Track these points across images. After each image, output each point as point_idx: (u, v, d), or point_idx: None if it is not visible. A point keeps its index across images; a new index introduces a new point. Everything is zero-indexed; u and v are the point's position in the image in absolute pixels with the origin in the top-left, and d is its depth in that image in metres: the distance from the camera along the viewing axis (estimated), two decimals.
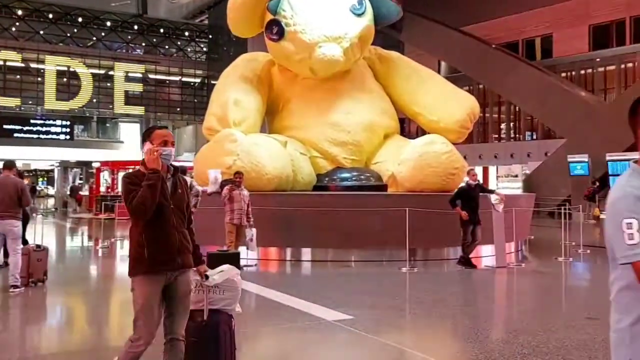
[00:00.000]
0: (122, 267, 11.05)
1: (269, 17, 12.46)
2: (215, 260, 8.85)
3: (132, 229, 3.52)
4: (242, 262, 9.79)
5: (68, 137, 42.76)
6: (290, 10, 12.32)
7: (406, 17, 32.54)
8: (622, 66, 29.32)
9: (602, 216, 22.29)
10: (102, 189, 24.78)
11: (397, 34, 32.87)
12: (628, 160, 22.20)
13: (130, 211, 3.38)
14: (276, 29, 12.36)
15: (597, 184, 23.39)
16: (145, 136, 3.59)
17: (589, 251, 12.60)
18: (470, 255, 10.12)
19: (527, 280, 9.66)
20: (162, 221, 3.43)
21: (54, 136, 42.10)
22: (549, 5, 30.88)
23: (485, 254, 10.98)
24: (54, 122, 42.61)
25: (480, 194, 10.25)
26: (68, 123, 43.47)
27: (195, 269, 3.70)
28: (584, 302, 7.75)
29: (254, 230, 9.57)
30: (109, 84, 44.70)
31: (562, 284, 9.46)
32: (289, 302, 7.03)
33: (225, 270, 3.97)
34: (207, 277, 3.75)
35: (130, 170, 3.67)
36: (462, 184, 10.21)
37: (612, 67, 29.54)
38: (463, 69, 31.17)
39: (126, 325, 6.73)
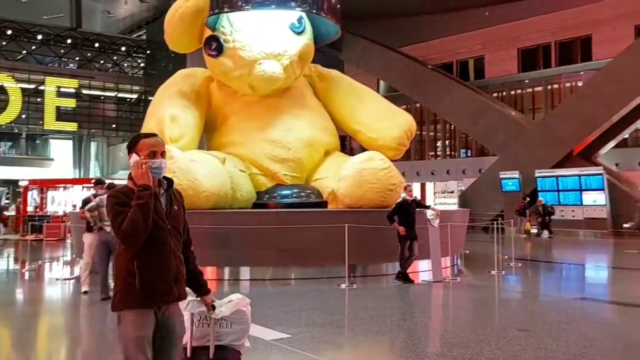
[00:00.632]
0: (50, 290, 10.59)
1: (208, 32, 12.38)
2: None
3: (120, 255, 3.04)
4: None
5: None
6: (229, 27, 12.28)
7: (346, 37, 33.18)
8: (549, 87, 30.77)
9: (532, 230, 23.12)
10: (30, 208, 23.69)
11: (337, 53, 33.37)
12: (556, 176, 23.32)
13: (121, 237, 2.90)
14: (215, 44, 12.29)
15: (528, 199, 24.30)
16: (130, 147, 3.12)
17: (520, 264, 13.02)
18: (408, 270, 10.25)
19: (462, 293, 9.85)
20: (158, 245, 2.98)
21: None
22: (481, 29, 32.12)
23: (422, 269, 11.16)
24: None
25: (417, 209, 10.44)
26: None
27: (199, 298, 3.32)
28: (515, 314, 7.96)
29: None
30: (39, 99, 43.08)
31: (495, 296, 9.70)
32: None
33: (234, 300, 3.54)
34: (214, 307, 3.34)
35: (117, 187, 3.16)
36: (399, 200, 10.35)
37: (540, 88, 30.95)
38: (401, 88, 31.93)
39: (53, 351, 6.42)
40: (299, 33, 12.64)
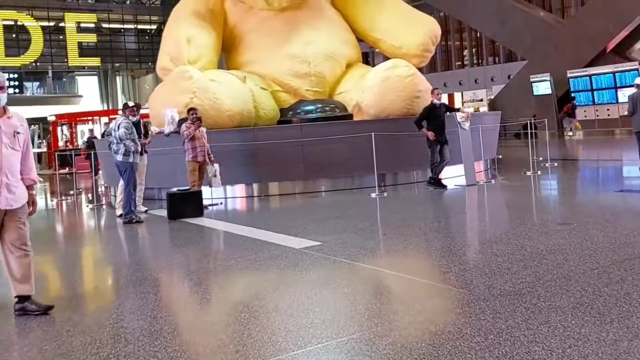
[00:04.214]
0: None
1: None
2: (177, 200, 8.64)
3: None
4: (207, 202, 9.58)
5: (17, 91, 40.83)
6: None
7: None
8: None
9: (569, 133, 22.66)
10: (61, 143, 23.90)
11: None
12: (589, 75, 22.31)
13: None
14: None
15: (574, 99, 23.54)
16: None
17: (555, 164, 12.67)
18: (440, 176, 10.03)
19: (498, 194, 9.64)
20: None
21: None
22: None
23: (455, 174, 10.92)
24: None
25: (446, 113, 10.09)
26: (16, 76, 41.36)
27: None
28: (555, 210, 7.74)
29: (216, 165, 9.29)
30: (60, 37, 42.71)
31: (533, 195, 9.46)
32: (256, 235, 6.85)
33: None
34: None
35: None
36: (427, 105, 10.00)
37: None
38: None
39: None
40: None
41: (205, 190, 9.55)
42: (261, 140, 10.33)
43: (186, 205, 8.63)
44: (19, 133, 4.20)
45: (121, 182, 8.87)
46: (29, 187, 4.34)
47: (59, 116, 24.87)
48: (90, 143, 18.48)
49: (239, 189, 10.59)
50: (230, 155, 10.04)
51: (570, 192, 9.54)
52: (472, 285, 4.23)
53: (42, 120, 32.32)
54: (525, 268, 4.59)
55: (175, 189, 9.06)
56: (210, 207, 9.52)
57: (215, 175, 9.24)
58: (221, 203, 10.07)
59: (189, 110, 9.41)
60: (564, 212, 7.42)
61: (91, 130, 21.34)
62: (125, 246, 7.48)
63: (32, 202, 4.37)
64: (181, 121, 9.66)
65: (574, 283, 4.10)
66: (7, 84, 4.40)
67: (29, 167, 4.33)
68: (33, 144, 32.06)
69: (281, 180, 10.55)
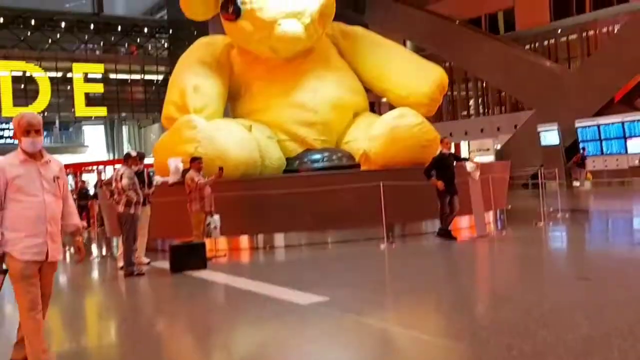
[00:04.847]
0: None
1: None
2: (180, 253, 8.38)
3: None
4: (210, 253, 9.30)
5: None
6: None
7: None
8: (584, 34, 29.37)
9: (575, 183, 22.35)
10: None
11: (359, 16, 32.41)
12: (597, 125, 22.15)
13: None
14: (232, 8, 11.79)
15: (585, 149, 23.32)
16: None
17: (567, 215, 12.38)
18: (450, 227, 9.75)
19: (510, 247, 9.33)
20: None
21: (9, 140, 40.37)
22: None
23: (465, 225, 10.64)
24: (7, 126, 40.81)
25: (455, 162, 9.90)
26: None
27: None
28: (571, 264, 7.43)
29: (217, 216, 9.06)
30: (68, 87, 43.31)
31: (546, 248, 9.15)
32: (261, 290, 6.55)
33: None
34: None
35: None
36: (436, 154, 9.82)
37: (574, 36, 29.59)
38: (428, 46, 30.90)
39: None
40: None
41: (209, 242, 9.28)
42: (266, 190, 10.12)
43: (189, 257, 8.37)
44: (58, 178, 4.00)
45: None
46: (73, 234, 4.13)
47: (65, 166, 24.88)
48: (83, 194, 18.22)
49: (244, 240, 10.31)
50: (234, 206, 9.82)
51: (585, 245, 9.23)
52: (489, 345, 3.94)
53: None
54: (544, 326, 4.29)
55: (178, 241, 8.81)
56: (213, 259, 9.24)
57: (215, 227, 8.99)
58: (225, 255, 9.79)
59: (194, 159, 9.25)
60: (581, 266, 7.11)
61: (83, 181, 21.20)
62: (123, 300, 7.18)
63: (78, 248, 4.15)
64: (185, 171, 9.48)
65: (597, 344, 3.80)
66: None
67: (70, 212, 4.11)
68: None
69: (287, 231, 10.27)
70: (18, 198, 3.78)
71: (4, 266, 3.78)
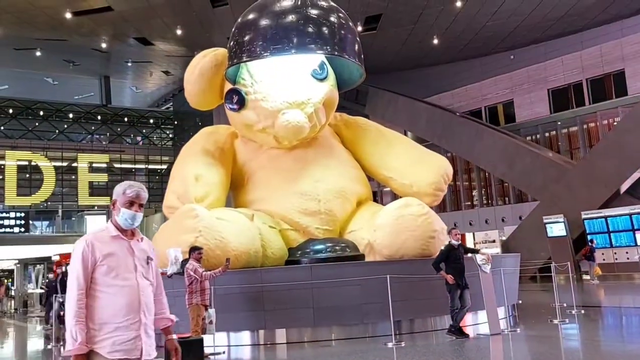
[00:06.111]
0: None
1: (229, 86, 11.97)
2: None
3: None
4: (208, 350, 8.74)
5: (23, 230, 40.61)
6: (249, 78, 11.83)
7: (369, 91, 32.96)
8: (584, 126, 29.73)
9: (585, 276, 21.71)
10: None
11: (361, 108, 33.04)
12: (605, 217, 21.76)
13: None
14: (236, 98, 11.82)
15: (594, 242, 22.76)
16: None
17: (583, 311, 11.80)
18: (461, 323, 9.21)
19: (527, 346, 8.76)
20: None
21: (8, 229, 39.97)
22: (507, 72, 31.58)
23: (476, 321, 10.08)
24: (7, 215, 40.61)
25: (465, 254, 9.51)
26: (22, 215, 41.38)
27: None
28: None
29: (212, 310, 8.57)
30: (72, 176, 43.61)
31: (565, 347, 8.57)
32: None
33: None
34: None
35: None
36: (444, 246, 9.44)
37: (575, 128, 29.93)
38: (429, 138, 31.15)
39: None
40: (322, 79, 12.11)
41: (207, 338, 8.73)
42: (268, 282, 9.69)
43: (186, 355, 7.78)
44: (151, 259, 3.33)
45: None
46: (166, 331, 3.39)
47: (64, 256, 24.41)
48: (52, 287, 16.06)
49: (244, 337, 9.75)
50: (235, 299, 9.37)
51: (607, 344, 8.65)
52: None
53: (47, 260, 31.83)
54: None
55: (174, 336, 8.26)
56: (212, 357, 8.66)
57: (211, 322, 8.49)
58: (224, 352, 9.20)
59: (194, 249, 8.90)
60: None
61: (54, 272, 18.22)
62: None
63: (174, 349, 3.33)
64: (184, 261, 9.10)
65: None
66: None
67: (164, 302, 3.38)
68: (37, 284, 31.34)
69: (289, 327, 9.73)
70: (107, 282, 3.09)
71: None
